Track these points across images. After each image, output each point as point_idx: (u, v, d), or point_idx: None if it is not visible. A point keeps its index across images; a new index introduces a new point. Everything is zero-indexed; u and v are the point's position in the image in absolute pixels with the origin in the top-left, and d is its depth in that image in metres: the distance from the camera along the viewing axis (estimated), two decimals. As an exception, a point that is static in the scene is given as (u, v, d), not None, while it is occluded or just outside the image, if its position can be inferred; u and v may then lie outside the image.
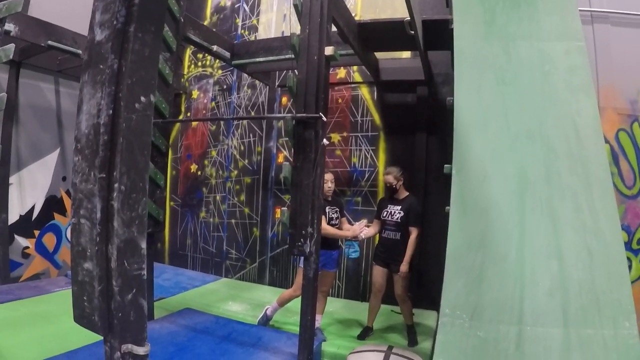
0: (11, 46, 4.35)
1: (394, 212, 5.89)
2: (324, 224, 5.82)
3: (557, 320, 3.18)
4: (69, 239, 4.82)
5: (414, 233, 5.77)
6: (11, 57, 4.39)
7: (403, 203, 5.90)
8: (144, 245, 2.16)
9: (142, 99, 2.13)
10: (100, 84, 2.06)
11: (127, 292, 2.09)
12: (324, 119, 4.44)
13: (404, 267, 5.65)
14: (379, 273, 5.98)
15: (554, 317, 3.20)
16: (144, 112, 2.13)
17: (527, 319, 3.22)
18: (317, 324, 5.74)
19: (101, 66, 2.09)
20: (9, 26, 5.36)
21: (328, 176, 5.85)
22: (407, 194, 6.03)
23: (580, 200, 3.60)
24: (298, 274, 5.95)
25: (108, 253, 2.05)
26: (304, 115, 4.40)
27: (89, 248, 2.05)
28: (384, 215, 5.98)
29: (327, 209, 5.93)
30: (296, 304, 5.71)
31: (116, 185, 2.03)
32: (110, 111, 2.06)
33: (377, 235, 6.23)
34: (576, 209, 3.58)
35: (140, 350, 2.12)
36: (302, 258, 5.64)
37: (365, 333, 6.01)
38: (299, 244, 4.43)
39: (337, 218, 6.07)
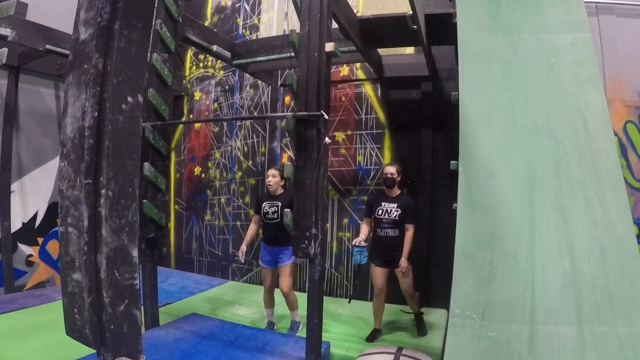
0: (4, 50, 4.30)
1: (391, 209, 5.84)
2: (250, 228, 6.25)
3: (570, 318, 3.12)
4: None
5: (410, 230, 5.77)
6: (4, 61, 4.35)
7: (399, 200, 5.89)
8: (135, 253, 2.07)
9: (129, 99, 2.04)
10: (85, 85, 1.98)
11: (119, 303, 2.00)
12: (326, 117, 4.36)
13: (403, 261, 5.63)
14: (379, 273, 5.91)
15: (567, 315, 3.14)
16: (132, 113, 2.04)
17: (540, 318, 3.16)
18: (296, 318, 6.15)
19: (85, 66, 2.01)
20: (5, 31, 5.29)
21: (269, 172, 6.09)
22: (400, 191, 6.03)
23: (591, 194, 3.56)
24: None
25: (97, 263, 1.97)
26: (305, 113, 4.32)
27: (77, 258, 1.97)
28: (379, 213, 5.92)
29: (264, 204, 6.05)
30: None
31: (103, 191, 1.94)
32: (96, 113, 1.97)
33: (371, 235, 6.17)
34: (587, 203, 3.54)
35: (135, 363, 2.04)
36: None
37: (374, 335, 5.94)
38: (303, 245, 4.35)
39: (274, 212, 5.97)
